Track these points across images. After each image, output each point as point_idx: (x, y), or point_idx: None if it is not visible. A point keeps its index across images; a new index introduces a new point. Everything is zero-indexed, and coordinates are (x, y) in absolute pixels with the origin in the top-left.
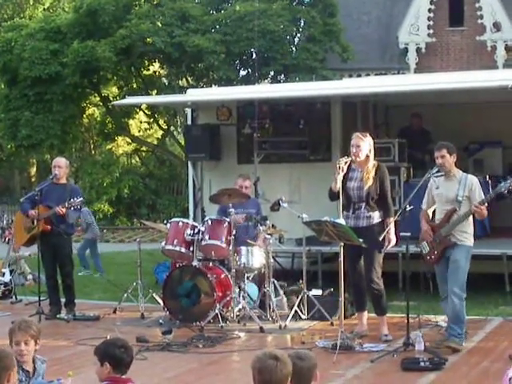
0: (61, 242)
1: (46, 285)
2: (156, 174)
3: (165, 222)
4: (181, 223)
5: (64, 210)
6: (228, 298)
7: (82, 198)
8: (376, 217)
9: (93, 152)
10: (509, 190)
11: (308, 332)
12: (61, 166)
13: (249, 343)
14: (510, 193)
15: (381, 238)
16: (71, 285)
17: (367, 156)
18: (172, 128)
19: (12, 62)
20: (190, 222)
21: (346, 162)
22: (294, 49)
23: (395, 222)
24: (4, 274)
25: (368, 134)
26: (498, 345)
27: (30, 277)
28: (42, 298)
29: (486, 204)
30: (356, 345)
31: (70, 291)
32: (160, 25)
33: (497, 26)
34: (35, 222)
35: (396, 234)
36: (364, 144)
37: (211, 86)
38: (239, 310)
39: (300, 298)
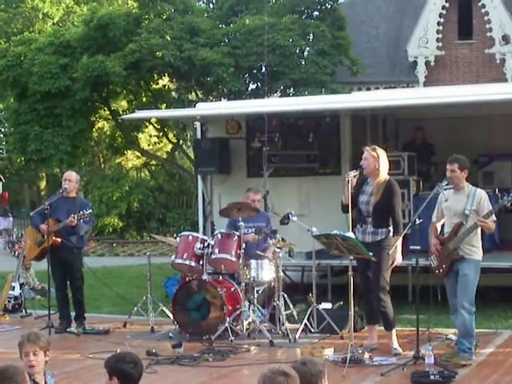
0: (71, 255)
1: (56, 298)
2: (166, 187)
3: (174, 235)
4: (190, 237)
5: (75, 221)
6: (238, 312)
7: (91, 210)
8: (382, 233)
9: (102, 166)
10: None
11: (318, 345)
12: (71, 179)
13: (259, 357)
14: None
15: (390, 252)
16: (81, 299)
17: (378, 170)
18: (181, 142)
19: (22, 76)
20: (200, 235)
21: (355, 176)
22: (303, 62)
23: (404, 235)
24: (14, 287)
25: (380, 149)
26: (508, 358)
27: (39, 287)
28: (51, 312)
29: (494, 218)
30: (366, 358)
31: (79, 305)
32: (169, 39)
33: (506, 39)
34: (45, 236)
35: (405, 247)
36: (371, 157)
37: (220, 100)
38: (249, 324)
39: (310, 311)
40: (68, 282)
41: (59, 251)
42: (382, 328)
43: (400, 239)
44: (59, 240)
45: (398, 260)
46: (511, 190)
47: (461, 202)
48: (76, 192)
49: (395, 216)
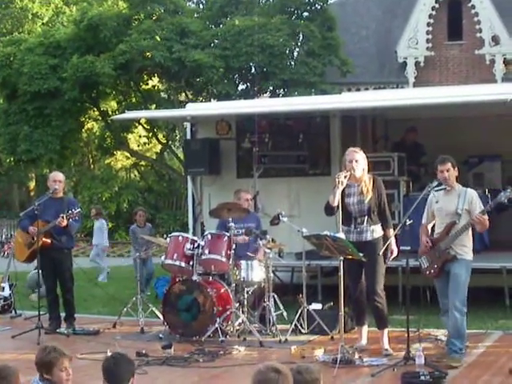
0: (61, 256)
1: (46, 299)
2: (155, 188)
3: (165, 236)
4: (181, 237)
5: (65, 220)
6: (228, 313)
7: (79, 209)
8: (378, 230)
9: (92, 166)
10: (509, 199)
11: (308, 346)
12: (60, 180)
13: (249, 357)
14: (510, 202)
15: (381, 252)
16: (71, 299)
17: (363, 170)
18: (170, 142)
19: (11, 76)
20: (190, 236)
21: (345, 176)
22: (293, 63)
23: (395, 236)
24: (3, 288)
25: (360, 149)
26: (499, 359)
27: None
28: (41, 313)
29: (487, 216)
30: (356, 359)
31: (69, 306)
32: (159, 39)
33: (495, 40)
34: (35, 238)
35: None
36: (360, 158)
37: (210, 101)
38: (239, 325)
39: (300, 312)
40: (58, 283)
41: (50, 252)
42: (372, 328)
43: (393, 232)
44: (49, 241)
45: (395, 251)
46: (507, 187)
47: (452, 202)
48: (63, 192)
49: (386, 210)
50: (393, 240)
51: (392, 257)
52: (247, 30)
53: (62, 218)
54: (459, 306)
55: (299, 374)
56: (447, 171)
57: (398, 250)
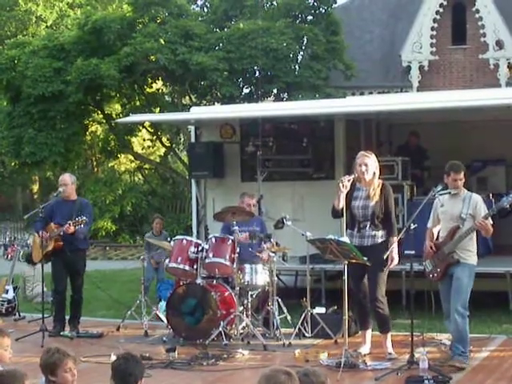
0: (75, 256)
1: (54, 300)
2: (159, 191)
3: (168, 239)
4: (185, 241)
5: (72, 228)
6: (232, 316)
7: (85, 218)
8: (380, 236)
9: (95, 169)
10: (511, 204)
11: (312, 350)
12: (66, 183)
13: (252, 361)
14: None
15: (385, 257)
16: (79, 300)
17: (373, 174)
18: (174, 145)
19: (15, 79)
20: (194, 239)
21: (349, 180)
22: (297, 67)
23: (399, 240)
24: (7, 291)
25: (372, 153)
26: (502, 363)
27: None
28: (45, 316)
29: (491, 222)
30: (360, 363)
31: (77, 307)
32: (163, 42)
33: (499, 44)
34: (47, 240)
35: (399, 252)
36: (371, 162)
37: (214, 104)
38: (243, 328)
39: (304, 315)
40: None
41: (63, 253)
42: (376, 332)
43: (396, 240)
44: (61, 243)
45: (396, 260)
46: (510, 192)
47: (457, 206)
48: (77, 193)
49: (392, 217)
50: (395, 248)
51: (392, 265)
52: (251, 33)
53: (69, 225)
54: (461, 310)
55: (306, 377)
56: (460, 180)
57: (402, 255)
